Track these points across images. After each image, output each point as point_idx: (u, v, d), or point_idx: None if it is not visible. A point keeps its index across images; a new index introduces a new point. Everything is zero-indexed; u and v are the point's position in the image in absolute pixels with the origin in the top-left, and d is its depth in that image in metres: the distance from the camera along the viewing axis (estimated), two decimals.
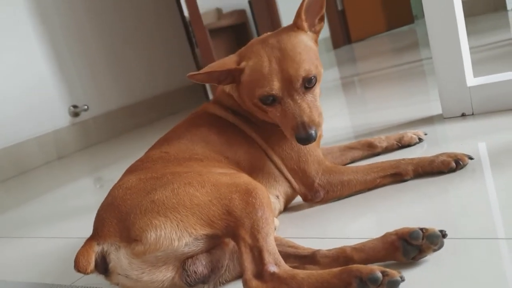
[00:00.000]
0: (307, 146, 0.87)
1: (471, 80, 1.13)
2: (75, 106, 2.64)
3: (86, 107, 2.65)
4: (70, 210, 1.39)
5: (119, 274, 0.70)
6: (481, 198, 0.75)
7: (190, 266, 0.69)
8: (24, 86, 2.44)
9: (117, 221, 0.71)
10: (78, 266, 0.69)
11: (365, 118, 1.46)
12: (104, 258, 0.71)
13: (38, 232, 1.25)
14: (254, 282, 0.62)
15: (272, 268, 0.63)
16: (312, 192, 0.88)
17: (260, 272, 0.63)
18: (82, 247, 0.71)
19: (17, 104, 2.40)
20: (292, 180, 0.89)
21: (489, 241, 0.62)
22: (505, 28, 2.70)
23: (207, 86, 3.51)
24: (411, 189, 0.83)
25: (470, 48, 1.15)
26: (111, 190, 0.78)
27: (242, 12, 6.85)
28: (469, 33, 1.17)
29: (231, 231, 0.67)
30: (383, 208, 0.81)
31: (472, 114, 1.13)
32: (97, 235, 0.72)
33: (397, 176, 0.86)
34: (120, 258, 0.69)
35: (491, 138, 0.98)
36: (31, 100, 2.45)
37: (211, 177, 0.73)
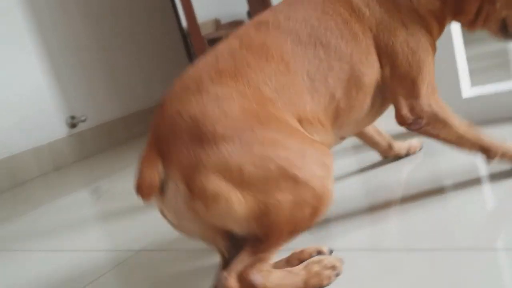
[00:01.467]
0: (426, 58, 0.77)
1: (467, 91, 1.13)
2: (72, 117, 2.63)
3: (84, 118, 2.65)
4: (67, 223, 1.39)
5: (166, 209, 0.62)
6: (477, 209, 0.75)
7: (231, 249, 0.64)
8: (21, 97, 2.44)
9: (192, 153, 0.57)
10: (142, 186, 0.59)
11: None
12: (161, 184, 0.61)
13: (35, 245, 1.24)
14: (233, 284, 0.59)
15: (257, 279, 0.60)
16: (414, 115, 0.77)
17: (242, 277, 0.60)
18: (145, 160, 0.60)
19: (13, 115, 2.39)
20: (395, 90, 0.77)
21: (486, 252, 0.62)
22: None
23: None
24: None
25: (468, 57, 1.15)
26: (204, 89, 0.62)
27: (240, 23, 6.88)
28: (465, 42, 1.17)
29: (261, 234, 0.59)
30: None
31: None
32: (164, 152, 0.60)
33: (486, 151, 0.80)
34: (176, 199, 0.59)
35: None
36: (27, 111, 2.45)
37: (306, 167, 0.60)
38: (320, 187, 0.60)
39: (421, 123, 0.78)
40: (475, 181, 0.83)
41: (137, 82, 3.06)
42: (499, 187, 0.80)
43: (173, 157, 0.58)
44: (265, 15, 0.76)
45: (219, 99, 0.61)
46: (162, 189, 0.61)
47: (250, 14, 4.93)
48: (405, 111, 0.77)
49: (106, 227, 1.24)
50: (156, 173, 0.59)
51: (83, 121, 2.64)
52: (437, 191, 0.83)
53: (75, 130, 2.65)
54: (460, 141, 0.80)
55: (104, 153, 2.66)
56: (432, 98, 0.78)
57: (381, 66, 0.76)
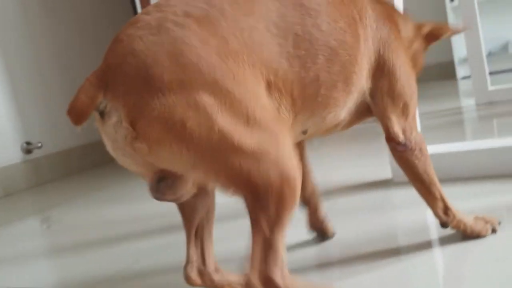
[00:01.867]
0: (415, 89, 0.81)
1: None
2: (28, 143, 2.57)
3: (40, 144, 2.59)
4: (10, 255, 1.34)
5: (105, 135, 0.60)
6: (428, 270, 0.77)
7: (164, 187, 0.62)
8: None
9: (140, 96, 0.54)
10: (76, 107, 0.56)
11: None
12: (101, 112, 0.58)
13: None
14: None
15: (278, 280, 0.57)
16: (403, 137, 0.78)
17: (266, 279, 0.57)
18: (86, 84, 0.57)
19: None
20: (387, 106, 0.78)
21: None
22: (455, 96, 2.83)
23: None
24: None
25: (421, 114, 1.19)
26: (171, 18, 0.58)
27: None
28: (419, 98, 1.22)
29: (251, 205, 0.58)
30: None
31: None
32: (109, 84, 0.56)
33: (445, 210, 0.83)
34: (117, 132, 0.57)
35: None
36: None
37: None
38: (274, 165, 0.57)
39: (408, 146, 0.78)
40: (427, 243, 0.85)
41: None
42: (449, 250, 0.82)
43: (119, 92, 0.55)
44: None
45: (176, 42, 0.56)
46: (102, 116, 0.59)
47: None
48: (397, 128, 0.78)
49: (51, 262, 1.21)
50: (94, 98, 0.56)
51: (39, 147, 2.59)
52: (390, 251, 0.85)
53: (30, 156, 2.59)
54: (431, 184, 0.81)
55: (58, 182, 2.60)
56: (415, 129, 0.81)
57: (376, 79, 0.76)
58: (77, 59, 2.94)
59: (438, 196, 0.81)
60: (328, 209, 1.09)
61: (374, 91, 0.77)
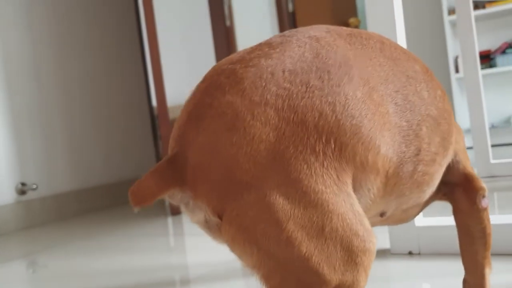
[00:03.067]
0: None
1: (420, 219, 1.15)
2: (23, 184, 2.55)
3: (35, 186, 2.57)
4: None
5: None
6: None
7: None
8: None
9: (223, 189, 0.50)
10: (136, 194, 0.51)
11: None
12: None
13: None
14: None
15: None
16: (482, 194, 0.70)
17: None
18: (157, 172, 0.52)
19: None
20: (468, 165, 0.71)
21: None
22: None
23: None
24: None
25: None
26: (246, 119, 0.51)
27: None
28: None
29: None
30: None
31: (419, 253, 1.14)
32: (187, 179, 0.52)
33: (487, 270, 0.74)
34: (208, 223, 0.53)
35: (435, 281, 0.98)
36: None
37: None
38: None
39: (488, 200, 0.72)
40: None
41: (96, 157, 3.02)
42: None
43: (201, 191, 0.51)
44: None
45: (253, 142, 0.50)
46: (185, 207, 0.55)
47: None
48: (482, 183, 0.70)
49: None
50: (166, 189, 0.52)
51: (34, 189, 2.56)
52: None
53: (24, 198, 2.56)
54: (490, 244, 0.73)
55: (50, 225, 2.56)
56: None
57: (455, 142, 0.70)
58: (78, 103, 2.96)
59: (491, 266, 0.74)
60: None
61: (455, 154, 0.71)
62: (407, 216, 0.70)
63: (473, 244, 0.72)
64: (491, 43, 3.74)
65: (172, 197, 0.54)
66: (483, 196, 0.70)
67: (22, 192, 2.54)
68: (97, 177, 2.99)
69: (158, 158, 3.52)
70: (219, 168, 0.50)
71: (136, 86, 3.43)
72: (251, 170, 0.49)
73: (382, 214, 0.64)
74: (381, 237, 1.35)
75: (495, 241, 1.07)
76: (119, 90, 3.26)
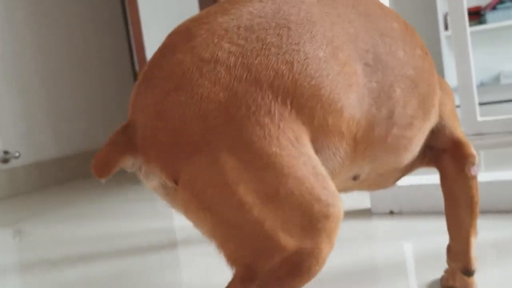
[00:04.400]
0: None
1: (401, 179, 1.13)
2: (6, 152, 2.52)
3: (17, 154, 2.53)
4: None
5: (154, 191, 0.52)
6: None
7: None
8: None
9: (173, 152, 0.47)
10: (96, 167, 0.49)
11: None
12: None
13: None
14: None
15: None
16: (472, 161, 0.66)
17: None
18: (111, 142, 0.50)
19: None
20: (458, 129, 0.67)
21: None
22: None
23: None
24: None
25: None
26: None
27: None
28: None
29: (241, 265, 0.47)
30: None
31: (400, 212, 1.13)
32: (138, 145, 0.49)
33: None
34: (166, 190, 0.51)
35: (417, 240, 0.97)
36: None
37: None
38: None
39: (478, 168, 0.68)
40: (402, 273, 0.81)
41: (78, 123, 2.97)
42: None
43: (152, 156, 0.49)
44: None
45: (202, 102, 0.47)
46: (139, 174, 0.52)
47: None
48: (472, 149, 0.66)
49: (16, 279, 1.16)
50: (121, 156, 0.50)
51: (17, 157, 2.53)
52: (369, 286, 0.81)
53: (7, 166, 2.53)
54: (477, 212, 0.69)
55: (34, 193, 2.54)
56: None
57: (441, 103, 0.67)
58: (59, 69, 2.90)
59: (476, 234, 0.70)
60: None
61: (440, 118, 0.67)
62: (385, 181, 0.67)
63: (459, 212, 0.69)
64: None
65: (129, 165, 0.51)
66: (473, 164, 0.66)
67: (4, 160, 2.51)
68: (79, 144, 2.96)
69: None
70: (167, 130, 0.48)
71: (119, 50, 3.36)
72: (201, 132, 0.46)
73: (355, 178, 0.61)
74: (362, 196, 1.34)
75: (482, 198, 1.06)
76: (101, 55, 3.19)
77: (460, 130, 0.68)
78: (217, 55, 0.48)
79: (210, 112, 0.46)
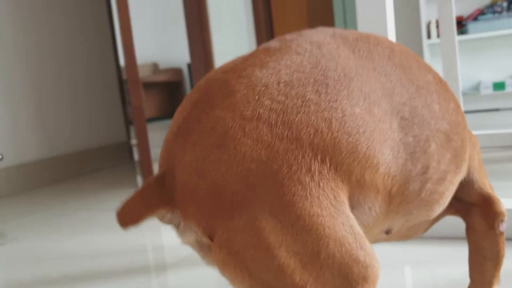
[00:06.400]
0: None
1: None
2: None
3: (0, 156, 2.48)
4: None
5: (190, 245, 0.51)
6: None
7: None
8: None
9: (212, 210, 0.47)
10: (123, 215, 0.48)
11: None
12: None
13: None
14: None
15: None
16: (501, 219, 0.67)
17: None
18: (144, 192, 0.49)
19: None
20: (486, 184, 0.68)
21: None
22: None
23: (133, 147, 3.42)
24: None
25: None
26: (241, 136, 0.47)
27: (178, 71, 6.90)
28: None
29: None
30: None
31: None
32: (176, 200, 0.49)
33: None
34: (201, 246, 0.51)
35: (417, 265, 0.98)
36: None
37: None
38: None
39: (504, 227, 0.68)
40: None
41: (63, 123, 2.93)
42: None
43: (191, 212, 0.48)
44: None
45: (244, 161, 0.46)
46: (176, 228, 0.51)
47: (190, 67, 4.96)
48: (502, 207, 0.67)
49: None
50: (155, 210, 0.49)
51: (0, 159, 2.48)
52: None
53: None
54: (501, 264, 0.71)
55: (18, 195, 2.50)
56: None
57: (470, 158, 0.66)
58: (44, 69, 2.85)
59: (499, 282, 0.72)
60: None
61: (469, 171, 0.67)
62: (414, 232, 0.67)
63: (484, 263, 0.70)
64: (464, 10, 3.73)
65: (162, 218, 0.50)
66: (502, 221, 0.67)
67: None
68: (64, 145, 2.91)
69: (127, 124, 3.45)
70: (208, 188, 0.47)
71: (105, 51, 3.32)
72: (242, 191, 0.46)
73: (387, 232, 0.61)
74: None
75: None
76: (85, 52, 3.14)
77: (489, 185, 0.69)
78: (258, 112, 0.47)
79: (252, 171, 0.46)
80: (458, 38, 3.60)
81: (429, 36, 3.63)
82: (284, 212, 0.45)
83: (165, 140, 0.53)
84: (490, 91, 3.59)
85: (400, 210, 0.56)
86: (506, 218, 0.68)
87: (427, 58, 3.65)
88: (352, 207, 0.50)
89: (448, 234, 1.11)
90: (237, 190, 0.46)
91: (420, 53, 3.67)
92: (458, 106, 0.63)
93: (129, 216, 0.49)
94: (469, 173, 0.67)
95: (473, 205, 0.68)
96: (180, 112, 0.53)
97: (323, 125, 0.48)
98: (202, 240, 0.49)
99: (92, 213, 1.89)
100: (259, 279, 0.46)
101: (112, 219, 1.76)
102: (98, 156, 3.11)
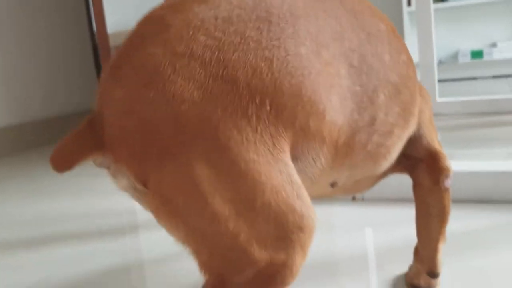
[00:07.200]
0: None
1: None
2: None
3: None
4: None
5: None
6: None
7: None
8: None
9: (142, 154, 0.44)
10: (56, 161, 0.46)
11: None
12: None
13: None
14: None
15: None
16: (446, 174, 0.65)
17: None
18: (76, 135, 0.47)
19: None
20: (435, 140, 0.66)
21: None
22: None
23: None
24: None
25: None
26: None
27: None
28: None
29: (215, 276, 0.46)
30: None
31: (362, 199, 1.14)
32: (106, 142, 0.46)
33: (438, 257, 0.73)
34: (135, 189, 0.48)
35: (378, 227, 0.98)
36: None
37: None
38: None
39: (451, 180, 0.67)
40: (363, 266, 0.82)
41: (34, 89, 2.86)
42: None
43: (121, 155, 0.46)
44: None
45: (174, 101, 0.43)
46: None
47: None
48: (448, 162, 0.65)
49: None
50: (87, 153, 0.47)
51: None
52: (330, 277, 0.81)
53: None
54: (447, 221, 0.69)
55: None
56: None
57: (421, 111, 0.65)
58: (14, 33, 2.77)
59: (445, 239, 0.70)
60: None
61: (418, 126, 0.66)
62: (360, 187, 0.66)
63: (430, 220, 0.69)
64: None
65: (94, 161, 0.48)
66: (447, 177, 0.66)
67: None
68: (36, 111, 2.85)
69: None
70: (136, 129, 0.44)
71: (78, 13, 3.23)
72: (172, 134, 0.43)
73: (333, 185, 0.59)
74: None
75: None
76: (59, 18, 3.06)
77: (437, 141, 0.68)
78: (191, 49, 0.44)
79: (183, 113, 0.43)
80: (436, 6, 3.57)
81: (409, 4, 3.59)
82: (219, 157, 0.43)
83: (100, 81, 0.50)
84: (468, 59, 3.59)
85: (346, 162, 0.54)
86: (451, 174, 0.66)
87: (407, 26, 3.62)
88: (297, 159, 0.48)
89: (410, 196, 1.11)
90: (167, 132, 0.43)
91: (400, 20, 3.64)
92: (410, 60, 0.61)
93: (62, 161, 0.46)
94: (418, 128, 0.65)
95: (420, 161, 0.67)
96: (116, 51, 0.50)
97: (263, 64, 0.45)
98: (136, 186, 0.47)
99: (62, 178, 1.86)
100: (193, 227, 0.44)
101: (81, 184, 1.73)
102: (71, 122, 3.06)
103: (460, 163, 1.11)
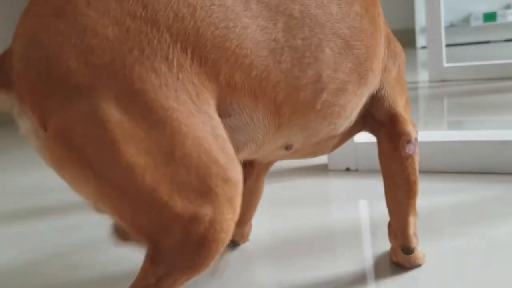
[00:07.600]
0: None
1: (358, 135, 1.09)
2: None
3: None
4: None
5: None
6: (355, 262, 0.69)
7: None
8: None
9: (46, 91, 0.40)
10: None
11: None
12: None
13: None
14: None
15: None
16: (406, 140, 0.60)
17: None
18: None
19: None
20: (398, 102, 0.61)
21: None
22: (412, 67, 2.75)
23: None
24: None
25: None
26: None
27: None
28: None
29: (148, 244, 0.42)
30: None
31: (357, 170, 1.10)
32: (13, 79, 0.42)
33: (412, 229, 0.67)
34: (38, 138, 0.43)
35: (373, 198, 0.94)
36: None
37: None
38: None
39: (415, 146, 0.61)
40: (357, 232, 0.78)
41: None
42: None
43: (25, 93, 0.42)
44: None
45: (85, 33, 0.40)
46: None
47: None
48: (410, 127, 0.61)
49: None
50: None
51: None
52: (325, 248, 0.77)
53: None
54: (415, 197, 0.64)
55: None
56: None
57: (386, 70, 0.60)
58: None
59: (416, 213, 0.66)
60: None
61: (382, 85, 0.60)
62: (322, 149, 0.62)
63: (396, 190, 0.64)
64: None
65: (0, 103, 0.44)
66: (408, 142, 0.60)
67: None
68: None
69: None
70: (41, 62, 0.40)
71: None
72: (81, 70, 0.39)
73: (287, 147, 0.55)
74: None
75: (442, 158, 1.03)
76: None
77: (402, 103, 0.62)
78: None
79: (94, 48, 0.39)
80: None
81: None
82: (133, 102, 0.38)
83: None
84: (480, 22, 3.47)
85: (294, 123, 0.51)
86: (413, 139, 0.60)
87: None
88: (227, 114, 0.45)
89: None
90: (75, 68, 0.39)
91: None
92: (366, 10, 0.55)
93: None
94: (382, 87, 0.60)
95: (381, 124, 0.61)
96: None
97: (186, 10, 0.41)
98: (38, 131, 0.42)
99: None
100: (105, 179, 0.40)
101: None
102: None
103: (458, 132, 1.06)
